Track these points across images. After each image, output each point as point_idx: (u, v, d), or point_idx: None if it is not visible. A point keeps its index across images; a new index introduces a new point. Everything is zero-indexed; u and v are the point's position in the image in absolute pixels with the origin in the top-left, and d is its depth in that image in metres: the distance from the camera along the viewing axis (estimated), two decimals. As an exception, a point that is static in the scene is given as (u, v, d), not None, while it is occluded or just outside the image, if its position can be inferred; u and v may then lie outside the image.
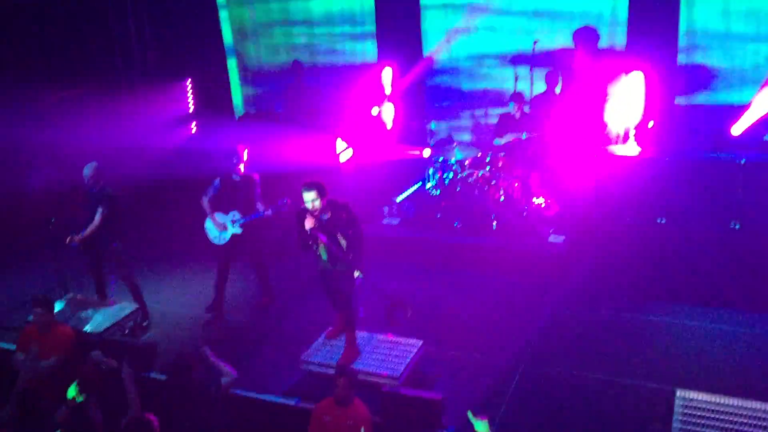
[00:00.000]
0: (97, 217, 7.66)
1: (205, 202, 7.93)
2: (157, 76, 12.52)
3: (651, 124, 9.64)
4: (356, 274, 6.56)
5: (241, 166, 7.85)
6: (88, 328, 7.45)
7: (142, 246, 8.51)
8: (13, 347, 6.78)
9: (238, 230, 7.88)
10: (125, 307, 7.88)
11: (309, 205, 6.34)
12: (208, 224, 7.98)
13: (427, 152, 10.11)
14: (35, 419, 5.34)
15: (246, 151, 7.92)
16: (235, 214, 7.85)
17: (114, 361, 6.15)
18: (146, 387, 6.53)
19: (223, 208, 7.92)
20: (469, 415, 4.84)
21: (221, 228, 7.92)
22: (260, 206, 7.80)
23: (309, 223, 6.35)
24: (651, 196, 8.51)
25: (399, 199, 10.48)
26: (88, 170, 7.71)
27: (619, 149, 9.51)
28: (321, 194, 6.34)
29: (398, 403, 6.05)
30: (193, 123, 12.80)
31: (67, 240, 7.64)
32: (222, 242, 7.97)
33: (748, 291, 7.82)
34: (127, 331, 7.72)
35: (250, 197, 7.84)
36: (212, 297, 8.17)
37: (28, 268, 9.60)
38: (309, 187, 6.34)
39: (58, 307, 7.57)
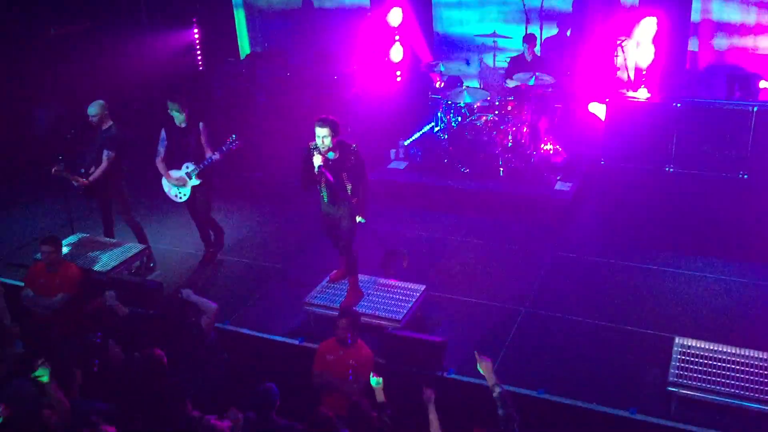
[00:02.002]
0: (104, 161, 7.63)
1: (159, 163, 7.66)
2: (163, 13, 12.35)
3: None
4: (358, 219, 6.57)
5: (181, 116, 7.50)
6: (94, 267, 7.53)
7: (147, 186, 8.51)
8: (21, 284, 6.89)
9: (196, 182, 7.64)
10: (132, 247, 7.94)
11: (319, 142, 6.24)
12: (165, 184, 7.77)
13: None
14: (45, 355, 5.45)
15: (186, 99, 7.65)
16: (189, 166, 7.59)
17: (125, 308, 6.25)
18: (152, 324, 6.68)
19: (176, 164, 7.67)
20: (476, 354, 4.91)
21: (180, 183, 7.68)
22: (209, 152, 7.53)
23: (318, 161, 6.27)
24: (660, 143, 8.42)
25: (406, 142, 10.42)
26: (93, 108, 7.64)
27: (629, 93, 9.38)
28: (334, 132, 6.22)
29: (400, 345, 6.15)
30: (199, 61, 12.69)
31: (75, 183, 7.65)
32: (184, 199, 7.78)
33: (751, 242, 7.80)
34: (133, 271, 7.81)
35: (199, 145, 7.55)
36: (204, 249, 8.19)
37: (35, 206, 9.67)
38: (323, 123, 6.21)
39: (66, 245, 7.65)
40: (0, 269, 7.95)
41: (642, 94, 9.20)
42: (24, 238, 8.76)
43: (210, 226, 8.12)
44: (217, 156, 7.50)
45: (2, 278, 7.55)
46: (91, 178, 7.66)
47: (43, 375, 4.83)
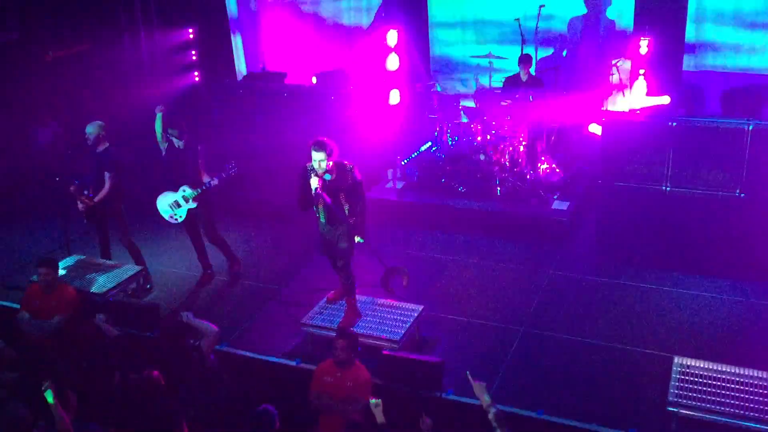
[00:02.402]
0: (107, 182, 7.63)
1: None
2: (161, 30, 12.42)
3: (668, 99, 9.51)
4: (357, 239, 6.56)
5: (179, 141, 7.55)
6: (91, 288, 7.50)
7: (143, 208, 8.50)
8: (17, 306, 6.85)
9: (192, 205, 7.66)
10: (128, 268, 7.91)
11: (316, 165, 6.27)
12: (160, 206, 7.78)
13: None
14: (40, 378, 5.40)
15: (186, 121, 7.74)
16: (186, 189, 7.61)
17: (114, 330, 6.21)
18: (149, 346, 6.64)
19: (172, 185, 7.70)
20: (468, 375, 4.88)
21: (174, 206, 7.71)
22: (206, 177, 7.58)
23: (315, 183, 6.30)
24: (656, 162, 8.41)
25: (404, 162, 10.43)
26: (91, 129, 7.65)
27: (624, 97, 9.42)
28: (330, 155, 6.27)
29: (398, 366, 6.11)
30: (196, 73, 12.76)
31: (79, 205, 7.65)
32: (180, 221, 7.81)
33: (749, 260, 7.80)
34: (130, 293, 7.78)
35: (197, 168, 7.60)
36: (202, 269, 8.23)
37: (32, 227, 9.65)
38: (319, 147, 6.24)
39: (62, 267, 7.63)
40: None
41: (637, 94, 9.20)
42: (20, 260, 8.73)
43: (218, 246, 8.12)
44: (215, 182, 7.55)
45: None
46: (96, 199, 7.66)
47: (49, 397, 4.79)
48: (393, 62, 10.91)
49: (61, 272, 7.44)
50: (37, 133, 11.29)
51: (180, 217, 7.76)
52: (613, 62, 10.44)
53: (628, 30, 10.65)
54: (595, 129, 10.06)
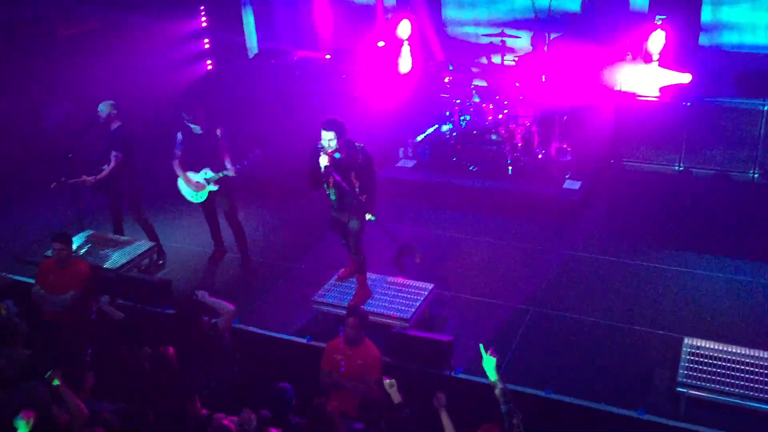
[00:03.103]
0: (112, 161, 7.67)
1: (175, 165, 7.62)
2: (172, 12, 12.37)
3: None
4: (368, 216, 6.57)
5: (196, 126, 7.47)
6: (104, 264, 7.56)
7: (158, 185, 8.53)
8: (32, 281, 6.92)
9: (214, 188, 7.64)
10: (141, 244, 7.97)
11: (325, 144, 6.30)
12: (181, 185, 7.74)
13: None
14: (52, 355, 5.45)
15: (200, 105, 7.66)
16: (207, 172, 7.56)
17: (120, 313, 6.28)
18: (162, 323, 6.71)
19: (195, 167, 7.63)
20: (481, 348, 4.89)
21: (196, 188, 7.67)
22: (228, 164, 7.50)
23: (324, 161, 6.32)
24: (670, 142, 8.36)
25: (417, 139, 10.40)
26: (103, 107, 7.70)
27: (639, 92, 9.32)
28: (339, 135, 6.28)
29: (408, 344, 6.14)
30: (209, 61, 12.71)
31: (82, 180, 7.69)
32: (200, 200, 7.79)
33: (762, 242, 7.76)
34: (142, 268, 7.84)
35: (218, 151, 7.52)
36: (213, 247, 8.23)
37: (46, 203, 9.69)
38: (328, 127, 6.28)
39: (76, 242, 7.69)
40: (11, 266, 7.98)
41: (651, 70, 9.10)
42: (34, 235, 8.80)
43: (234, 229, 8.04)
44: (237, 168, 7.48)
45: (13, 275, 7.61)
46: (98, 177, 7.70)
47: (54, 380, 4.85)
48: (404, 28, 10.85)
49: (76, 246, 7.51)
50: (50, 110, 11.32)
51: (200, 198, 7.75)
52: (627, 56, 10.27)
53: (643, 10, 10.50)
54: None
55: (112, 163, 7.68)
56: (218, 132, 7.53)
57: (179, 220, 9.06)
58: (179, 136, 7.60)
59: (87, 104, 8.36)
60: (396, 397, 5.02)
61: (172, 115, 7.74)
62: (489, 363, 4.74)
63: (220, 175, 7.54)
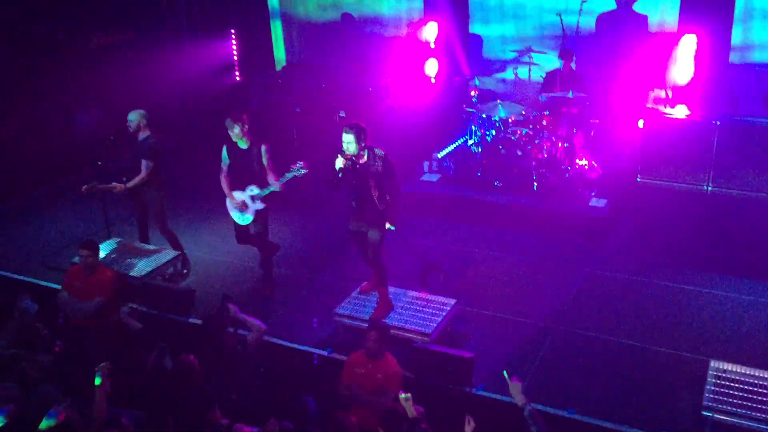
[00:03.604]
0: (144, 170, 7.75)
1: (223, 181, 7.34)
2: (203, 25, 12.55)
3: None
4: (387, 225, 6.57)
5: (241, 136, 7.15)
6: (129, 272, 7.64)
7: (184, 194, 8.62)
8: (58, 287, 7.01)
9: (260, 206, 7.30)
10: (166, 253, 8.04)
11: (345, 147, 6.34)
12: (229, 205, 7.43)
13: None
14: (79, 358, 5.52)
15: (246, 117, 7.20)
16: (253, 189, 7.23)
17: (138, 324, 6.34)
18: (185, 331, 6.75)
19: (240, 184, 7.31)
20: (505, 374, 4.89)
21: (241, 207, 7.36)
22: (272, 180, 7.16)
23: (339, 163, 6.36)
24: (698, 161, 8.27)
25: (440, 155, 10.40)
26: (133, 116, 7.77)
27: (667, 111, 9.25)
28: (359, 139, 6.30)
29: (429, 359, 6.12)
30: (237, 72, 12.85)
31: (112, 186, 7.76)
32: (246, 222, 7.44)
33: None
34: (167, 277, 7.90)
35: (262, 167, 7.19)
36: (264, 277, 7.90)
37: (73, 210, 9.84)
38: (349, 129, 6.33)
39: (102, 250, 7.78)
40: (38, 272, 8.09)
41: (680, 111, 9.06)
42: (62, 242, 8.92)
43: (260, 247, 7.75)
44: (281, 184, 7.15)
45: (40, 281, 7.72)
46: (129, 185, 7.78)
47: (97, 380, 4.90)
48: (432, 66, 10.90)
49: (102, 254, 7.60)
50: (81, 118, 11.51)
51: (247, 220, 7.42)
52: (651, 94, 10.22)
53: (666, 27, 10.43)
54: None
55: (143, 173, 7.75)
56: (263, 148, 7.17)
57: (204, 230, 9.13)
58: (224, 151, 7.30)
59: (117, 112, 8.47)
60: (411, 411, 5.01)
61: (199, 125, 7.79)
62: (514, 388, 4.75)
63: (267, 191, 7.20)
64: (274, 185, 7.19)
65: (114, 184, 7.79)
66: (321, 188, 6.73)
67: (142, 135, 7.80)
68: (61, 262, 8.21)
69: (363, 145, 6.35)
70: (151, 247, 8.21)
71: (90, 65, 11.23)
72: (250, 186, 7.29)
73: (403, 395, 5.05)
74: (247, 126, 7.13)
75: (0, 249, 8.86)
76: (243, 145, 7.22)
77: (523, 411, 4.64)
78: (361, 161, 6.40)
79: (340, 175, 6.41)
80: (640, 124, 8.93)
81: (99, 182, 7.80)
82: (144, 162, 7.74)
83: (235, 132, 7.11)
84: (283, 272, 8.23)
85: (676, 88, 9.19)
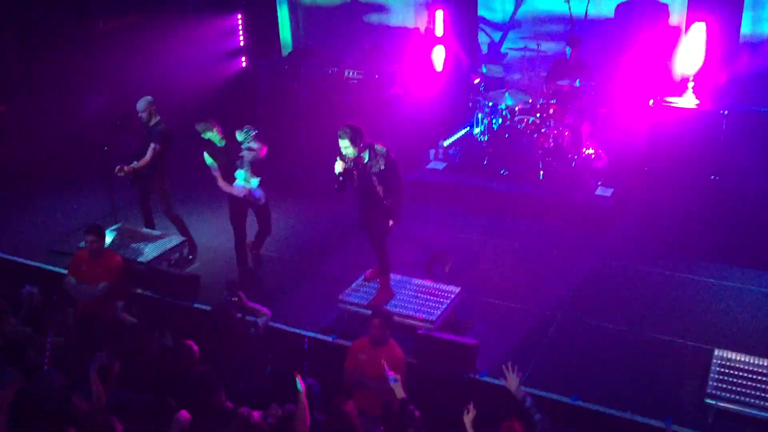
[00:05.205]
0: (149, 153, 7.76)
1: (221, 182, 7.42)
2: (209, 9, 12.52)
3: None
4: (391, 223, 6.61)
5: (216, 135, 7.37)
6: (135, 257, 7.67)
7: (191, 180, 8.63)
8: (65, 271, 7.04)
9: (255, 180, 7.41)
10: (172, 239, 8.07)
11: (343, 152, 6.34)
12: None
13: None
14: (88, 346, 5.54)
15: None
16: (240, 173, 7.34)
17: (133, 319, 6.39)
18: (191, 317, 6.79)
19: (231, 177, 7.41)
20: (504, 368, 4.92)
21: (248, 195, 7.42)
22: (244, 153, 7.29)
23: (338, 167, 6.37)
24: (705, 151, 8.24)
25: (446, 143, 10.39)
26: (141, 104, 7.80)
27: (675, 100, 9.21)
28: (354, 142, 6.26)
29: (433, 346, 6.13)
30: (243, 57, 12.84)
31: (116, 170, 7.78)
32: (263, 201, 7.59)
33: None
34: (172, 262, 7.93)
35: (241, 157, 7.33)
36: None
37: (80, 195, 9.88)
38: (342, 135, 6.27)
39: (108, 235, 7.81)
40: (44, 256, 8.14)
41: (688, 101, 9.02)
42: (68, 227, 8.95)
43: (261, 233, 7.91)
44: (246, 148, 7.27)
45: (46, 265, 7.76)
46: (134, 166, 7.77)
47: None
48: (439, 55, 10.87)
49: (108, 239, 7.63)
50: (88, 101, 11.48)
51: (260, 199, 7.53)
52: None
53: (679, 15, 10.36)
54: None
55: (149, 154, 7.75)
56: (237, 135, 7.35)
57: (209, 216, 9.13)
58: (205, 155, 7.41)
59: (124, 96, 8.47)
60: (399, 392, 5.05)
61: (205, 110, 7.78)
62: (513, 382, 4.77)
63: (247, 166, 7.28)
64: (246, 155, 7.28)
65: (123, 166, 7.77)
66: (328, 176, 6.73)
67: (153, 120, 7.81)
68: (67, 247, 8.24)
69: (361, 145, 6.31)
70: (156, 232, 8.24)
71: (96, 50, 11.24)
72: (237, 172, 7.39)
73: (391, 376, 5.09)
74: (216, 125, 7.37)
75: (6, 234, 8.89)
76: (221, 143, 7.39)
77: (524, 403, 4.66)
78: (364, 160, 6.39)
79: (341, 179, 6.40)
80: (651, 103, 8.87)
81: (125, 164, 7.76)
82: (151, 145, 7.75)
83: (213, 134, 7.34)
84: (288, 258, 8.25)
85: (683, 78, 9.15)
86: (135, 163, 7.79)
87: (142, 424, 4.71)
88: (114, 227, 8.26)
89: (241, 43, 12.84)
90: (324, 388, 5.52)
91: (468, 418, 4.73)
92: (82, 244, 6.99)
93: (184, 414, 4.58)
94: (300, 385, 4.85)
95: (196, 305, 6.96)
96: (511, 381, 4.88)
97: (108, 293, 6.64)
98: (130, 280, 7.10)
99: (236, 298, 6.15)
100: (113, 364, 5.25)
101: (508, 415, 4.71)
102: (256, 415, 4.78)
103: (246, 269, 7.82)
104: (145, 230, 8.26)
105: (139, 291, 7.17)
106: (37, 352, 5.60)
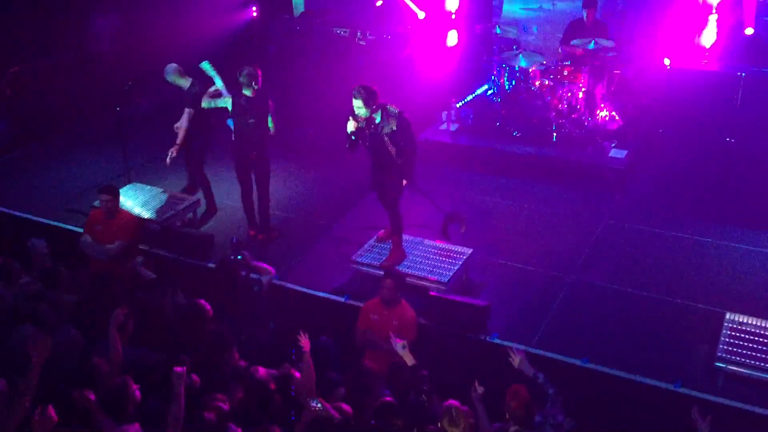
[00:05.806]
0: (184, 118, 7.73)
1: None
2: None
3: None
4: (404, 182, 6.60)
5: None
6: (149, 215, 7.71)
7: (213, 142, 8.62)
8: (80, 230, 7.10)
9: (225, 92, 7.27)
10: (185, 198, 8.10)
11: (356, 111, 6.34)
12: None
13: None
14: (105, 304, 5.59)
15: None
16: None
17: (152, 274, 6.44)
18: (202, 276, 6.85)
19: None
20: (510, 351, 4.91)
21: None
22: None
23: (350, 126, 6.37)
24: (722, 113, 8.15)
25: (459, 104, 10.31)
26: (170, 75, 7.78)
27: (692, 63, 9.09)
28: (368, 103, 6.26)
29: (445, 308, 6.18)
30: (254, 8, 12.71)
31: (168, 159, 7.75)
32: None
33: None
34: (187, 221, 7.97)
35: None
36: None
37: (94, 155, 9.89)
38: (357, 95, 6.28)
39: (122, 194, 7.84)
40: (60, 215, 8.20)
41: (705, 63, 8.89)
42: (83, 186, 8.99)
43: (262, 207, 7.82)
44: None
45: (62, 224, 7.82)
46: (178, 141, 7.76)
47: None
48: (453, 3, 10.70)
49: (123, 198, 7.67)
50: (97, 21, 11.30)
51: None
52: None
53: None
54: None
55: (185, 122, 7.71)
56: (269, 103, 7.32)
57: (225, 176, 9.10)
58: (229, 123, 7.34)
59: (135, 15, 8.13)
60: (409, 359, 5.06)
61: (213, 60, 7.60)
62: (521, 363, 4.77)
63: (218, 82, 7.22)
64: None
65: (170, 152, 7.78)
66: (339, 137, 6.72)
67: (186, 83, 7.78)
68: (82, 206, 8.29)
69: (374, 107, 6.31)
70: (170, 191, 8.26)
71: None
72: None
73: (399, 344, 5.10)
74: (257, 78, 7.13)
75: (21, 193, 8.95)
76: (250, 93, 7.16)
77: (537, 379, 4.67)
78: (377, 120, 6.37)
79: (353, 138, 6.42)
80: (666, 62, 8.73)
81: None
82: (186, 110, 7.73)
83: (245, 83, 7.10)
84: (301, 219, 8.27)
85: (700, 47, 8.97)
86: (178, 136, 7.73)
87: (155, 382, 4.78)
88: (128, 186, 8.30)
89: (254, 13, 12.71)
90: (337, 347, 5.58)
91: (476, 396, 4.74)
92: (97, 203, 7.03)
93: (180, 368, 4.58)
94: (303, 344, 4.89)
95: (209, 264, 7.02)
96: (520, 363, 4.80)
97: (123, 252, 6.70)
98: (144, 240, 7.15)
99: (240, 257, 6.19)
100: (128, 322, 5.31)
101: (518, 377, 4.75)
102: (262, 371, 4.84)
103: (255, 224, 7.82)
104: (158, 189, 8.28)
105: (152, 250, 7.21)
106: (52, 309, 5.66)
